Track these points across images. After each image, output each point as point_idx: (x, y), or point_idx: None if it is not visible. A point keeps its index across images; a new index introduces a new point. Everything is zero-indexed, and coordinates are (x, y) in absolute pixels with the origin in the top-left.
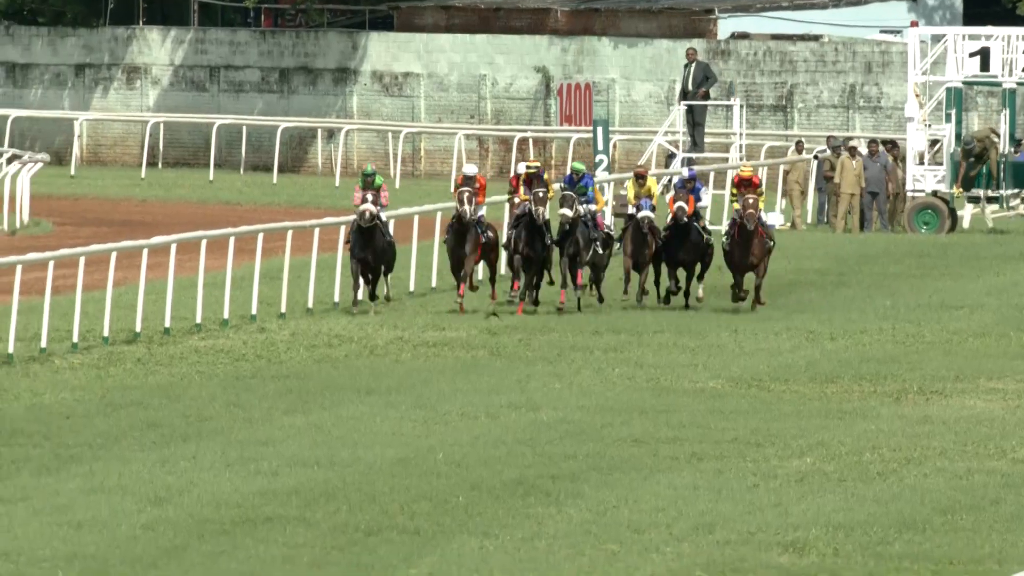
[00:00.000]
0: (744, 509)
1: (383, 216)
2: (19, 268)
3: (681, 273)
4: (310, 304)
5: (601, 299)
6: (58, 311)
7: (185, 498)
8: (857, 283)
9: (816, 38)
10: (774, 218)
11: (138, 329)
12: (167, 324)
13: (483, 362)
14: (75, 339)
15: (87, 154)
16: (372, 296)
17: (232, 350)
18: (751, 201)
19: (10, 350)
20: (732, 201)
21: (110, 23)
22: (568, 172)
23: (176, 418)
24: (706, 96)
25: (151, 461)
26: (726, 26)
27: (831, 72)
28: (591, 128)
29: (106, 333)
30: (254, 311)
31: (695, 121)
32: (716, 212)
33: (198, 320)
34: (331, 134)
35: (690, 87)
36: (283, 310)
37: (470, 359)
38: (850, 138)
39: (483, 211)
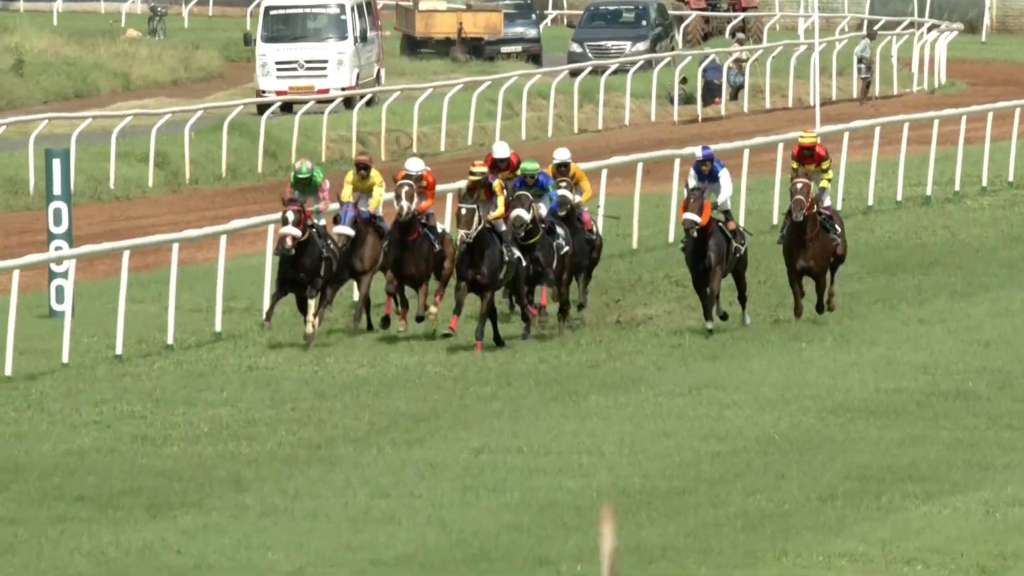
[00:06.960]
0: None
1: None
2: (935, 123)
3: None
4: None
5: (582, 306)
6: (969, 159)
7: None
8: None
9: None
10: None
11: None
12: None
13: None
14: (984, 183)
15: (996, 24)
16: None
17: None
18: (800, 187)
19: (927, 192)
20: (792, 176)
21: None
22: (519, 175)
23: None
24: None
25: None
26: None
27: None
28: None
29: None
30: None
31: None
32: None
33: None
34: None
35: None
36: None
37: None
38: None
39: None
